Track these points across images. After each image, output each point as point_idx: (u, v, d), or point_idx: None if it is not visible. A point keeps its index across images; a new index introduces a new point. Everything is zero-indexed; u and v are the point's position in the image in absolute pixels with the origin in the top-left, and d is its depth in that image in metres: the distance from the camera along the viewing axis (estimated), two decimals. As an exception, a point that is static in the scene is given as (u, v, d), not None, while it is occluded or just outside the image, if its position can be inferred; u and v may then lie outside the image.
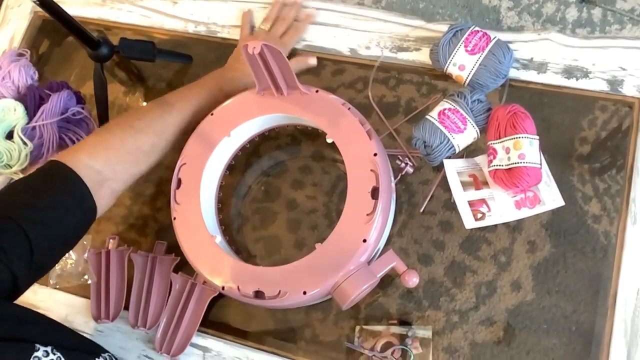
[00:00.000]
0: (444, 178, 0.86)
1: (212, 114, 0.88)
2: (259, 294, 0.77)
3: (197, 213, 0.84)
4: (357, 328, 0.83)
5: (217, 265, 0.81)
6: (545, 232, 0.82)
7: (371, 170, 0.78)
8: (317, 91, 0.84)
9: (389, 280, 0.85)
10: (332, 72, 0.98)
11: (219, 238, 0.84)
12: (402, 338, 0.81)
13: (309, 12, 1.02)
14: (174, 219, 0.85)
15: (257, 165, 0.97)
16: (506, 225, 0.83)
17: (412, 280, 0.76)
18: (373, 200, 0.76)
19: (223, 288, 0.79)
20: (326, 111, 0.83)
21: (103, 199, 0.78)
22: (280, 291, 0.76)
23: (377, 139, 0.82)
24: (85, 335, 0.92)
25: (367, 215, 0.76)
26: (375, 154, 0.78)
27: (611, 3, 1.81)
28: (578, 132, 0.86)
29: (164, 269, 0.91)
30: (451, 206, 0.86)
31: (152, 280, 0.91)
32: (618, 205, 0.81)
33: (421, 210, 0.87)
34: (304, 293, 0.75)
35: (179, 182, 0.86)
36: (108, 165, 0.79)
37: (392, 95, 0.94)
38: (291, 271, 0.77)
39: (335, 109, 0.83)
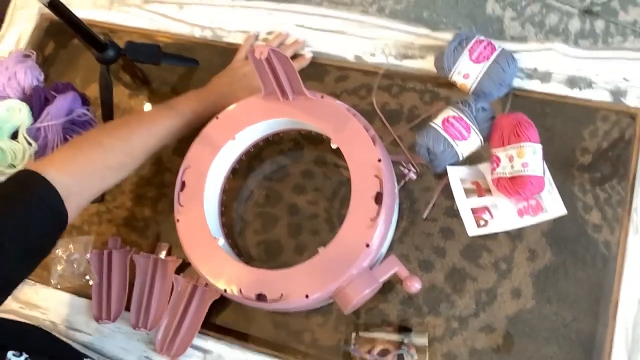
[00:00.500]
0: (447, 185, 0.86)
1: (217, 118, 0.89)
2: (261, 297, 0.77)
3: (200, 216, 0.84)
4: (353, 335, 0.83)
5: (219, 268, 0.81)
6: (546, 241, 0.83)
7: (375, 175, 0.78)
8: (322, 97, 0.85)
9: (389, 286, 0.85)
10: (336, 79, 0.99)
11: (221, 241, 0.84)
12: (399, 345, 0.81)
13: (305, 55, 1.01)
14: (178, 221, 0.85)
15: (259, 169, 0.97)
16: (507, 233, 0.84)
17: (414, 285, 0.76)
18: (376, 206, 0.77)
19: (225, 291, 0.80)
20: (331, 117, 0.83)
21: (69, 212, 0.77)
22: (282, 294, 0.76)
23: (382, 145, 0.83)
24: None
25: (371, 220, 0.76)
26: (379, 160, 0.79)
27: (614, 15, 1.82)
28: (580, 141, 0.86)
29: (166, 270, 0.92)
30: (453, 213, 0.86)
31: (153, 282, 0.91)
32: (619, 215, 0.81)
33: (423, 217, 0.87)
34: (307, 296, 0.75)
35: (183, 184, 0.87)
36: (75, 181, 0.78)
37: (395, 103, 0.94)
38: (294, 274, 0.77)
39: (340, 114, 0.83)
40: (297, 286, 0.76)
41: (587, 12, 1.82)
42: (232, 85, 0.96)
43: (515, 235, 0.84)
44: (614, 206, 0.82)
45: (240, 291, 0.78)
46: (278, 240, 0.92)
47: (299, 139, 0.96)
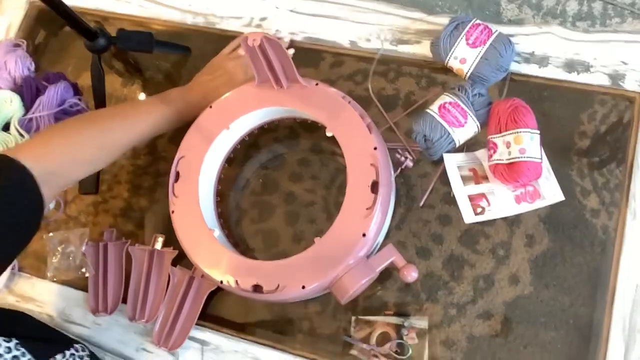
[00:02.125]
0: (444, 172, 0.86)
1: (210, 107, 0.88)
2: (257, 288, 0.77)
3: (195, 206, 0.84)
4: (353, 318, 0.83)
5: (215, 259, 0.81)
6: (544, 226, 0.82)
7: (371, 164, 0.77)
8: (317, 84, 0.84)
9: (387, 274, 0.85)
10: (331, 64, 0.97)
11: (217, 232, 0.83)
12: (398, 329, 0.81)
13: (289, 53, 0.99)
14: (172, 212, 0.84)
15: (255, 158, 0.96)
16: (505, 219, 0.83)
17: (411, 274, 0.76)
18: (373, 195, 0.76)
19: (221, 282, 0.79)
20: (326, 104, 0.82)
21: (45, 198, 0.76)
22: (278, 285, 0.76)
23: (377, 132, 0.82)
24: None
25: (367, 209, 0.76)
26: (375, 148, 0.78)
27: (611, -4, 1.80)
28: (578, 126, 0.85)
29: (163, 262, 0.91)
30: (450, 200, 0.85)
31: (150, 273, 0.91)
32: (617, 199, 0.81)
33: (420, 204, 0.87)
34: (303, 287, 0.75)
35: (177, 175, 0.86)
36: (46, 171, 0.76)
37: (392, 88, 0.93)
38: (290, 265, 0.77)
39: (335, 102, 0.82)
40: (293, 277, 0.76)
41: (584, -7, 1.80)
42: (213, 82, 0.94)
43: (513, 221, 0.83)
44: (612, 190, 0.81)
45: (237, 282, 0.78)
46: (275, 229, 0.91)
47: (295, 126, 0.95)
